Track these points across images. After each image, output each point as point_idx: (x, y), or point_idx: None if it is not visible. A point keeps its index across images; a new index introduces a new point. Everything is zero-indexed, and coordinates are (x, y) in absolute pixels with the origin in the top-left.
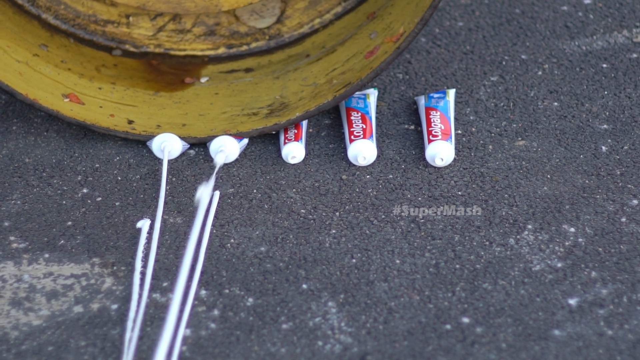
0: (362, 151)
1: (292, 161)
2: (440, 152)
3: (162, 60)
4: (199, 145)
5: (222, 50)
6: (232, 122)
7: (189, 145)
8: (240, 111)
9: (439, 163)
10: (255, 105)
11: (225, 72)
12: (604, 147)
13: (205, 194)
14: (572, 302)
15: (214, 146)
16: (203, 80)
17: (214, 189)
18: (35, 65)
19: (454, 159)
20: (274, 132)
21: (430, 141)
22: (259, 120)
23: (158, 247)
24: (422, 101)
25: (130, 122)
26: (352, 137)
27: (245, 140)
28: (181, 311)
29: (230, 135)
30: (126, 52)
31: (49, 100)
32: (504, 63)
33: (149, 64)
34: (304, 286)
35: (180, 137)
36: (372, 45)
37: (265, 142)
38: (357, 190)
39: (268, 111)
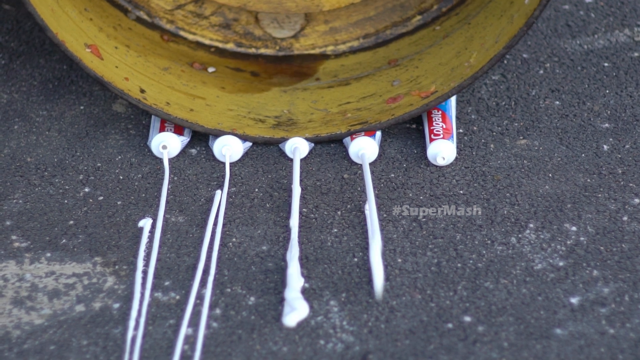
0: (364, 147)
1: (295, 153)
2: (442, 151)
3: (172, 37)
4: (204, 136)
5: (229, 46)
6: (239, 122)
7: (187, 142)
8: (246, 113)
9: (440, 162)
10: (262, 112)
11: (232, 68)
12: (605, 146)
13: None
14: (574, 300)
15: (218, 144)
16: (210, 70)
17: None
18: (64, 6)
19: (456, 157)
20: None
21: (431, 140)
22: (266, 129)
23: (160, 246)
24: None
25: (142, 91)
26: (354, 135)
27: (249, 142)
28: (196, 311)
29: (236, 135)
30: (139, 18)
31: (74, 46)
32: (505, 62)
33: (161, 38)
34: (306, 285)
35: (188, 122)
36: (394, 92)
37: None
38: (359, 189)
39: (275, 122)
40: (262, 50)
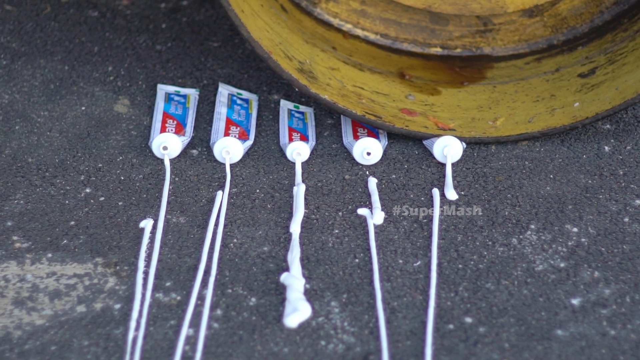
0: (369, 147)
1: (296, 158)
2: (450, 144)
3: None
4: (204, 137)
5: None
6: (274, 48)
7: (188, 143)
8: (278, 43)
9: (446, 154)
10: (289, 50)
11: None
12: (606, 147)
13: None
14: (575, 302)
15: (218, 146)
16: None
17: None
18: None
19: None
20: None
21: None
22: (293, 69)
23: (161, 247)
24: None
25: None
26: (358, 134)
27: (249, 142)
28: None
29: (271, 60)
30: None
31: None
32: None
33: None
34: (307, 286)
35: (240, 20)
36: (409, 105)
37: (268, 142)
38: (360, 190)
39: (299, 67)
40: None
